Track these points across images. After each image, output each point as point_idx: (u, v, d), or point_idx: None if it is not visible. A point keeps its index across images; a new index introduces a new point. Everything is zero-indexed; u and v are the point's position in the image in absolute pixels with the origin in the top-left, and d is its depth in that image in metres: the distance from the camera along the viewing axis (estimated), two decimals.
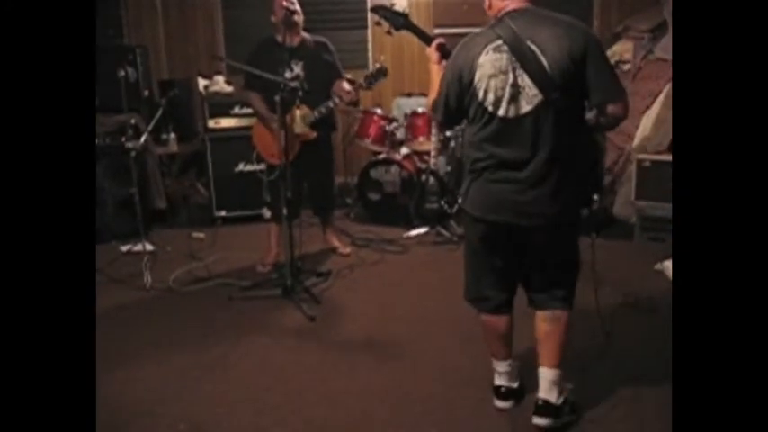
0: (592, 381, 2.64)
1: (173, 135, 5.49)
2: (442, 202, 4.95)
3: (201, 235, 4.99)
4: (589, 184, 2.26)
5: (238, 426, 2.49)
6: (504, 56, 2.08)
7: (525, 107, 2.08)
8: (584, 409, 2.45)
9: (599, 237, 4.69)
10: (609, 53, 5.90)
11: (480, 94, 2.12)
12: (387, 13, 2.72)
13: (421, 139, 5.23)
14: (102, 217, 4.89)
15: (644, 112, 4.83)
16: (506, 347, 2.46)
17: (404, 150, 5.24)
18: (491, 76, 2.10)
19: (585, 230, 4.67)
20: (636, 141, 4.81)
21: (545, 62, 2.03)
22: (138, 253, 4.24)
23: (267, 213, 4.43)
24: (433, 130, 5.11)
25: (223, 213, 5.31)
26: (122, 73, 4.15)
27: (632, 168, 4.61)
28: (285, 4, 3.82)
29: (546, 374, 2.33)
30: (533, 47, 2.04)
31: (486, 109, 2.13)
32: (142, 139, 4.28)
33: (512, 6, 2.15)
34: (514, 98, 2.08)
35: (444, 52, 2.44)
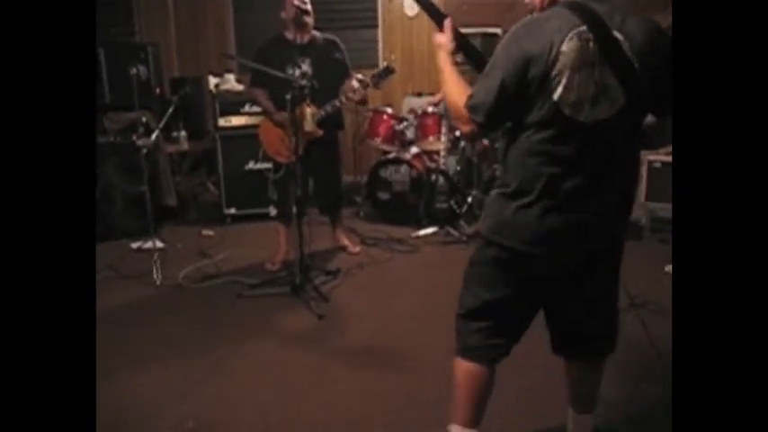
0: None
1: (183, 133, 5.53)
2: (452, 202, 4.95)
3: (211, 232, 5.02)
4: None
5: (243, 425, 2.50)
6: (591, 45, 1.63)
7: (605, 111, 1.66)
8: None
9: None
10: None
11: (558, 90, 1.64)
12: None
13: (431, 138, 5.23)
14: (112, 214, 4.93)
15: None
16: (482, 410, 2.09)
17: (413, 150, 5.24)
18: (575, 69, 1.63)
19: None
20: None
21: (632, 56, 1.63)
22: (148, 250, 4.26)
23: (273, 211, 4.45)
24: (443, 129, 5.11)
25: (233, 211, 5.33)
26: (134, 71, 4.17)
27: (643, 169, 4.59)
28: (296, 2, 3.83)
29: (584, 421, 2.16)
30: (620, 36, 1.64)
31: (559, 111, 1.66)
32: (153, 136, 4.31)
33: None
34: (596, 99, 1.65)
35: (461, 41, 1.96)
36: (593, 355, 2.05)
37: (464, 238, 4.67)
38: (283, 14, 3.95)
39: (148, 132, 4.47)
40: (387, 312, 3.52)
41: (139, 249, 4.54)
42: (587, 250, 1.81)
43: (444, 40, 1.94)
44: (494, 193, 1.86)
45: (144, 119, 4.89)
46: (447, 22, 1.96)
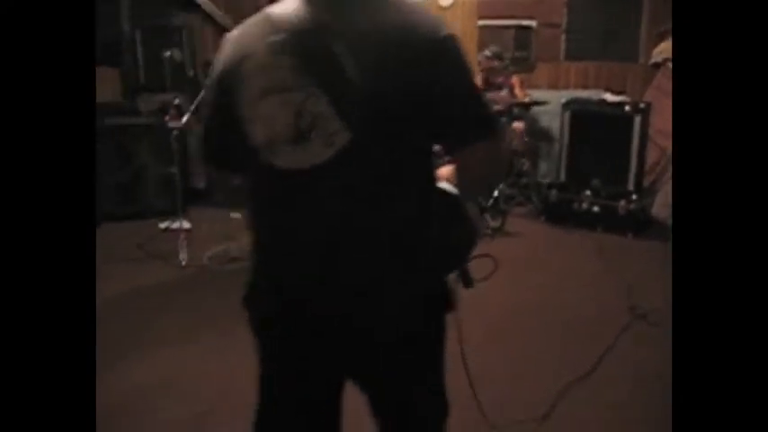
0: (600, 381, 2.62)
1: None
2: None
3: (239, 215, 5.07)
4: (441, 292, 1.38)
5: None
6: (286, 61, 1.17)
7: (320, 153, 1.16)
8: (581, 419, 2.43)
9: (636, 237, 4.64)
10: (656, 51, 5.78)
11: (248, 126, 1.23)
12: None
13: None
14: (143, 194, 5.02)
15: None
16: None
17: None
18: (263, 95, 1.19)
19: (621, 230, 4.62)
20: None
21: (354, 74, 1.13)
22: (175, 230, 4.33)
23: None
24: None
25: None
26: (168, 53, 4.23)
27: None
28: None
29: None
30: (337, 48, 1.14)
31: (255, 152, 1.23)
32: (184, 118, 4.36)
33: None
34: (302, 136, 1.17)
35: None
36: None
37: (489, 232, 4.66)
38: None
39: (181, 114, 4.53)
40: None
41: (167, 229, 4.62)
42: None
43: None
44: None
45: (177, 101, 4.95)
46: None
